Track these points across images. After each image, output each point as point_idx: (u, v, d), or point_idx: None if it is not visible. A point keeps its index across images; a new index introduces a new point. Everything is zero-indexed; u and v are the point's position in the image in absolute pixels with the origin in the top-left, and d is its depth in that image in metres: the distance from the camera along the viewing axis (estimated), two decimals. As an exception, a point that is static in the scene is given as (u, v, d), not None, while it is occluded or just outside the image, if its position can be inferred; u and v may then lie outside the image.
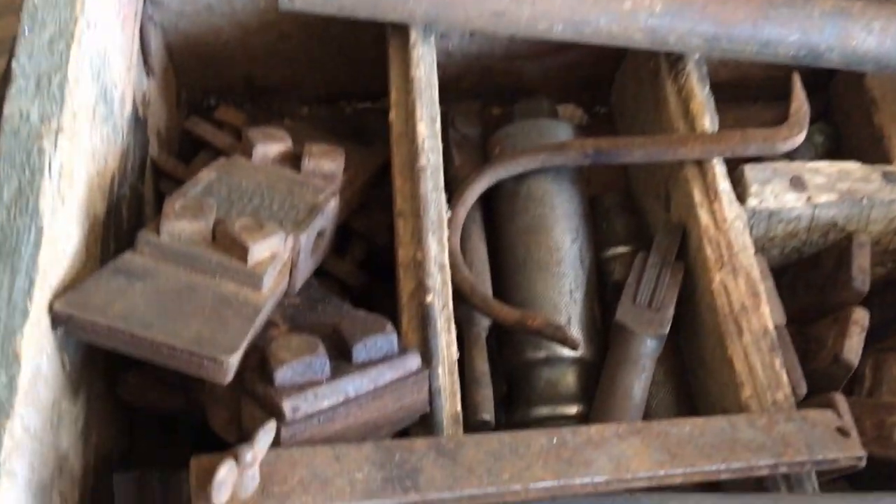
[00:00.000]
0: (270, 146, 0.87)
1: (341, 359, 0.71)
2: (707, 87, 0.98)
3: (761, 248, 0.98)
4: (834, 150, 1.12)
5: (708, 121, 0.96)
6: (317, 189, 0.84)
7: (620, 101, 1.14)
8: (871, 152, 1.04)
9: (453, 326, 0.81)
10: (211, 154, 1.00)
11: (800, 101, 0.93)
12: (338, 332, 0.72)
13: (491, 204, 1.00)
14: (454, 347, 0.80)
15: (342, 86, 1.14)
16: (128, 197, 0.87)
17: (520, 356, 0.92)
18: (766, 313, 0.86)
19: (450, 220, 0.89)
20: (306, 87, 1.15)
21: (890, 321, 0.97)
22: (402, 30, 0.94)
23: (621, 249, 1.00)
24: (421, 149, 0.87)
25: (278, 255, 0.74)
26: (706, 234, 0.90)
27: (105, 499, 0.74)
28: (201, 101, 1.14)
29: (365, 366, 0.70)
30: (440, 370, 0.77)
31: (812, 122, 0.99)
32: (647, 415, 0.90)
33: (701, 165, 0.94)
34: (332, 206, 0.84)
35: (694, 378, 0.94)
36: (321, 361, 0.68)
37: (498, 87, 1.13)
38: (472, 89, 1.16)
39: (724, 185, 0.92)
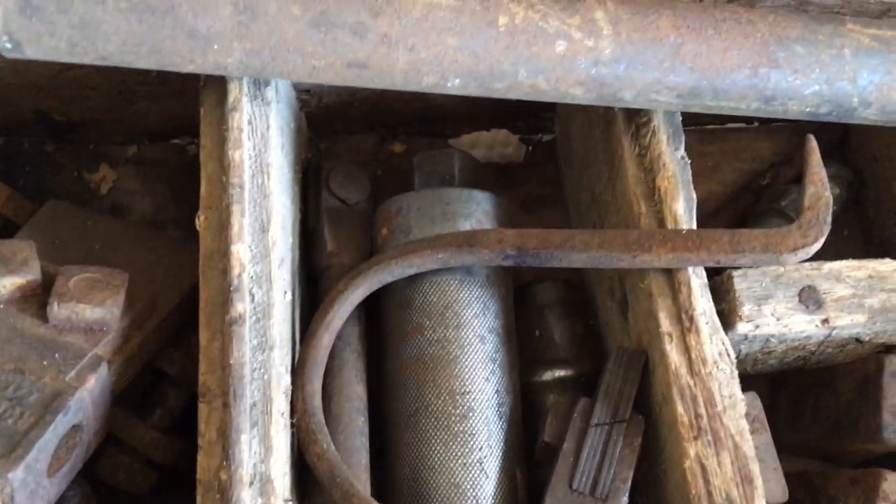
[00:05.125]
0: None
1: None
2: (681, 149, 0.67)
3: (752, 362, 0.71)
4: (852, 201, 0.88)
5: (682, 205, 0.66)
6: (70, 354, 0.54)
7: (566, 132, 0.84)
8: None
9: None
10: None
11: (818, 186, 0.62)
12: None
13: (375, 315, 0.70)
14: None
15: (179, 118, 0.81)
16: None
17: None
18: (763, 512, 0.59)
19: (305, 355, 0.59)
20: (128, 122, 0.82)
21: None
22: (217, 82, 0.60)
23: (560, 373, 0.73)
24: (235, 287, 0.55)
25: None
26: (676, 382, 0.62)
27: None
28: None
29: None
30: None
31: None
32: None
33: (670, 275, 0.64)
34: (91, 385, 0.54)
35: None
36: None
37: (399, 115, 0.81)
38: (364, 118, 0.83)
39: (702, 305, 0.64)
